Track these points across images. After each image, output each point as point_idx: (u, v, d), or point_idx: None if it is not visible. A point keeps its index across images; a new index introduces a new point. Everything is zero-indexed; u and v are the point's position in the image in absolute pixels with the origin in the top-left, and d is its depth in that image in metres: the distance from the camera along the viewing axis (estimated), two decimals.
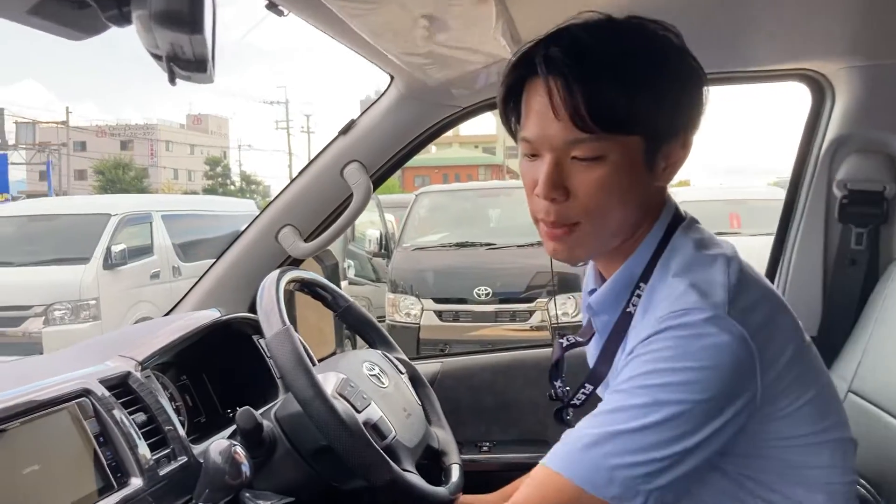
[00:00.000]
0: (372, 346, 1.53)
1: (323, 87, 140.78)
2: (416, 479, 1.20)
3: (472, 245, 6.72)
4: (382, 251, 7.27)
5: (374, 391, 1.29)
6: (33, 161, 33.02)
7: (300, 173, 1.82)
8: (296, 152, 42.30)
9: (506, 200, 7.45)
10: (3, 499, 0.98)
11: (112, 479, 1.11)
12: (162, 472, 1.18)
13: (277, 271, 1.32)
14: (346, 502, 1.31)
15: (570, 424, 1.07)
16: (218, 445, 1.14)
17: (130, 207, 8.12)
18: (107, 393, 1.18)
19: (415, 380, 1.49)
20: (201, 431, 1.43)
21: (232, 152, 54.76)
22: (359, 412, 1.20)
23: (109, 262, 7.38)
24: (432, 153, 35.22)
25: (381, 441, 1.20)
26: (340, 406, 1.15)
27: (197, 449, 1.28)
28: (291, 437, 1.25)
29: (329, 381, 1.23)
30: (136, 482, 1.13)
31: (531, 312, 6.07)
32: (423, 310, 6.27)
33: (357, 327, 1.53)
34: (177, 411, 1.36)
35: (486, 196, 8.00)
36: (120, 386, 1.24)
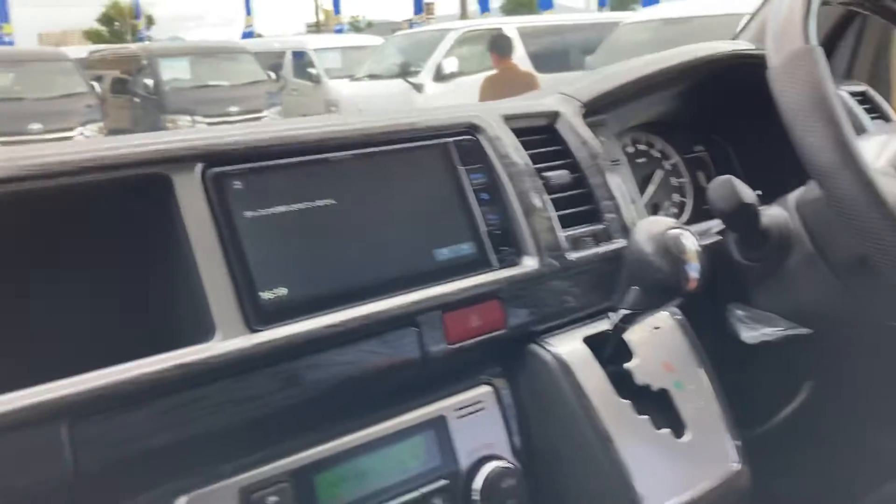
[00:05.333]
0: None
1: None
2: None
3: None
4: None
5: None
6: None
7: None
8: None
9: None
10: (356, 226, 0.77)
11: (490, 253, 0.82)
12: (573, 256, 0.86)
13: None
14: None
15: None
16: (650, 225, 0.80)
17: None
18: (504, 132, 0.89)
19: None
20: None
21: None
22: None
23: None
24: None
25: None
26: (891, 186, 0.72)
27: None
28: (816, 234, 0.86)
29: (884, 147, 0.83)
30: (529, 263, 0.83)
31: None
32: None
33: None
34: (676, 189, 1.08)
35: None
36: (537, 132, 0.94)
